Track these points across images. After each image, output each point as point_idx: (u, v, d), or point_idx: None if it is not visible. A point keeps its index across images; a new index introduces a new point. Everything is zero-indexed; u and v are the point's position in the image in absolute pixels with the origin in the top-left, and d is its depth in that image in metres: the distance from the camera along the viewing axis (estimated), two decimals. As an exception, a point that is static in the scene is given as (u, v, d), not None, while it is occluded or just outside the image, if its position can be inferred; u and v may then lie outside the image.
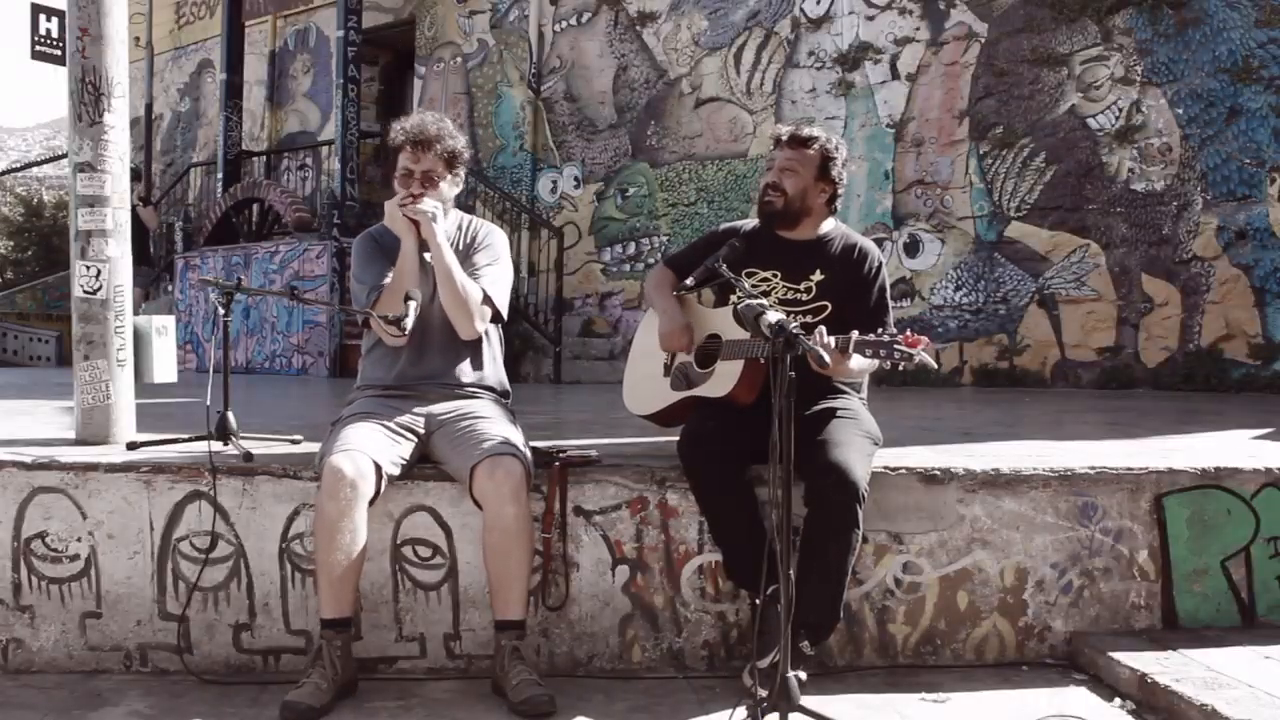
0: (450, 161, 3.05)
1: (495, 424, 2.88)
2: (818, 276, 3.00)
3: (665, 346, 3.12)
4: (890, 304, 3.05)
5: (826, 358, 2.33)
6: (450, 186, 3.07)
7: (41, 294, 14.82)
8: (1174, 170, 7.88)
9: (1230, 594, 3.08)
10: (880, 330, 2.70)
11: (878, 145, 9.17)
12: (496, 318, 3.04)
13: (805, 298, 2.99)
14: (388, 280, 2.98)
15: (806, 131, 3.06)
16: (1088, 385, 8.14)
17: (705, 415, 2.95)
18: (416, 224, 2.96)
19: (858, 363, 2.61)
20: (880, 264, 3.05)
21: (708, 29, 10.18)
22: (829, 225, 3.11)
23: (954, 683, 2.86)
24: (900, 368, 2.47)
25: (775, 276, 3.02)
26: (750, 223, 3.19)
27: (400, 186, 3.01)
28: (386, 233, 3.08)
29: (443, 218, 3.00)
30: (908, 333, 2.45)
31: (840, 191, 3.09)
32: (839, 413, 2.91)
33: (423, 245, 2.99)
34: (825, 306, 2.97)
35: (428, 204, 2.96)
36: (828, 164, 3.02)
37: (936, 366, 2.57)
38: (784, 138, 3.06)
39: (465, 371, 3.04)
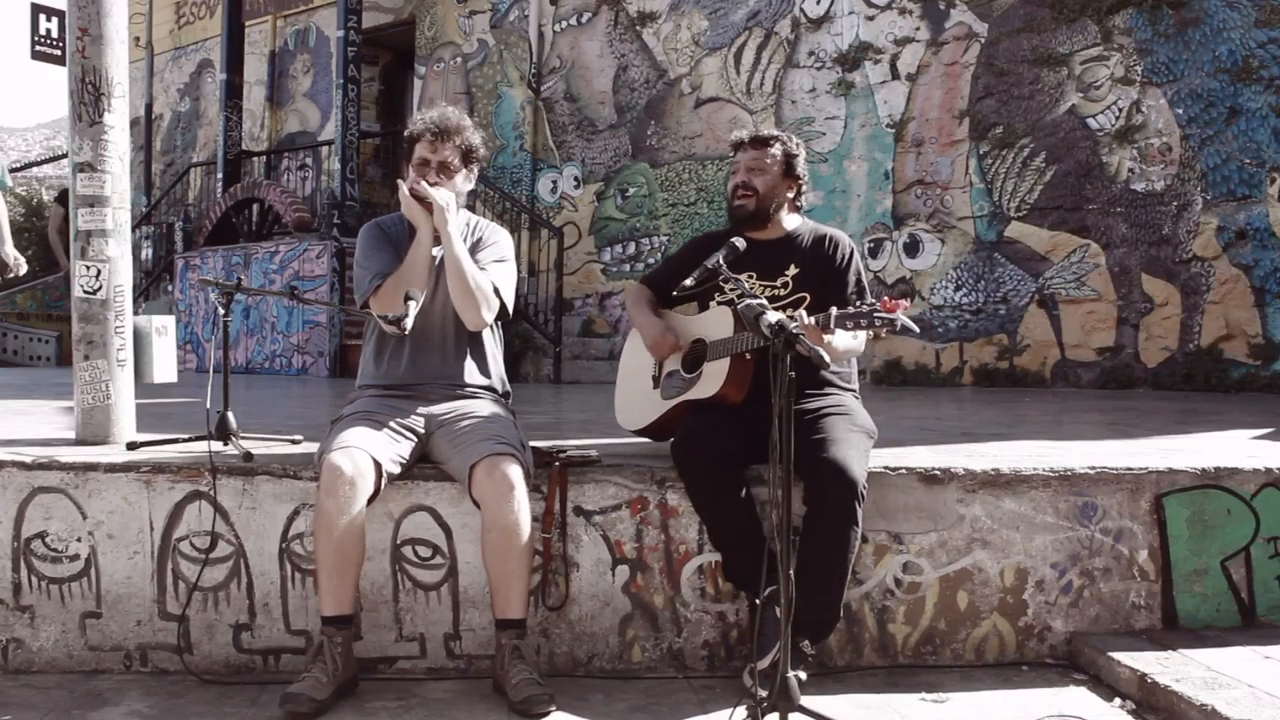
0: (467, 156, 3.06)
1: (495, 424, 2.88)
2: (792, 271, 3.05)
3: (658, 354, 3.15)
4: (867, 287, 3.10)
5: (827, 358, 2.33)
6: (464, 181, 3.07)
7: (41, 294, 14.81)
8: (1174, 170, 7.88)
9: (1230, 594, 3.08)
10: (858, 303, 2.73)
11: (878, 145, 9.18)
12: (502, 314, 3.03)
13: (783, 292, 3.04)
14: (397, 272, 2.94)
15: (767, 132, 3.16)
16: (1088, 385, 8.14)
17: (701, 417, 2.95)
18: (429, 209, 2.94)
19: (842, 340, 2.65)
20: (851, 249, 3.11)
21: (708, 29, 10.19)
22: (796, 221, 3.17)
23: (954, 683, 2.86)
24: (884, 334, 2.50)
25: (750, 278, 3.04)
26: (717, 230, 3.28)
27: (416, 175, 2.99)
28: (395, 223, 3.08)
29: (455, 209, 2.99)
30: (885, 299, 2.47)
31: (804, 188, 3.17)
32: (833, 409, 2.92)
33: (434, 238, 2.99)
34: (804, 298, 3.01)
35: (441, 193, 2.95)
36: (791, 161, 3.11)
37: (917, 330, 2.59)
38: (745, 140, 3.14)
39: (466, 371, 3.04)
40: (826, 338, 2.59)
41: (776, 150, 3.09)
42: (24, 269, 4.67)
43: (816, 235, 3.12)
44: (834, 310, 2.58)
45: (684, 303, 3.19)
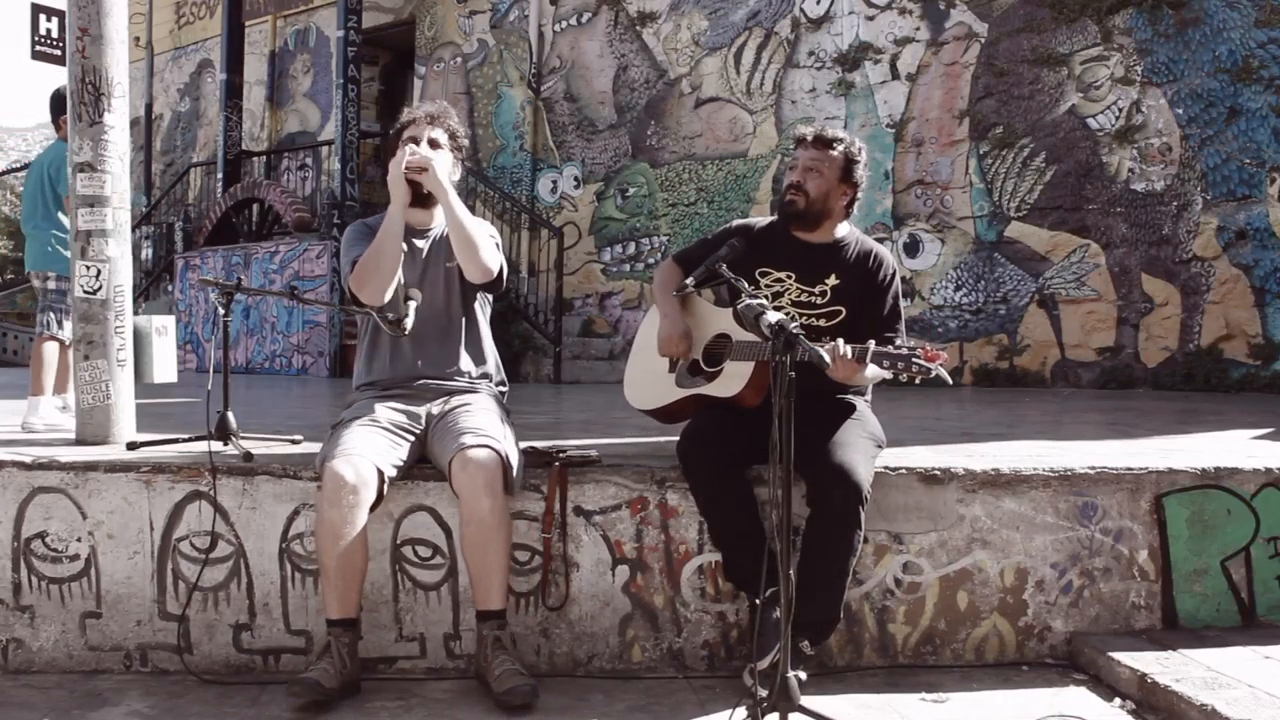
0: (453, 139, 3.07)
1: (479, 416, 2.87)
2: (833, 281, 2.99)
3: (663, 352, 3.11)
4: (902, 311, 3.06)
5: (827, 359, 2.32)
6: (454, 167, 3.08)
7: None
8: (1174, 170, 7.88)
9: (1230, 594, 3.08)
10: (898, 342, 2.70)
11: (878, 145, 9.17)
12: (496, 284, 3.02)
13: (820, 301, 2.98)
14: (370, 247, 2.93)
15: (831, 133, 3.05)
16: (1088, 385, 8.14)
17: (707, 416, 2.95)
18: (413, 188, 2.94)
19: (873, 371, 2.61)
20: (894, 272, 3.05)
21: (708, 29, 10.19)
22: (845, 229, 3.10)
23: (954, 683, 2.86)
24: (916, 381, 2.47)
25: (790, 278, 3.01)
26: (766, 220, 3.18)
27: (406, 149, 2.98)
28: (380, 221, 3.08)
29: (447, 173, 2.99)
30: (926, 346, 2.45)
31: (860, 196, 3.08)
32: (843, 414, 2.91)
33: (414, 233, 2.99)
34: (839, 311, 2.96)
35: (435, 154, 2.97)
36: (851, 167, 3.01)
37: (951, 382, 2.58)
38: (808, 138, 3.04)
39: (463, 362, 3.05)
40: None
41: (838, 153, 3.00)
42: None
43: (863, 250, 3.05)
44: (872, 345, 2.54)
45: (690, 291, 3.12)
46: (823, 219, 3.03)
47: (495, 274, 2.97)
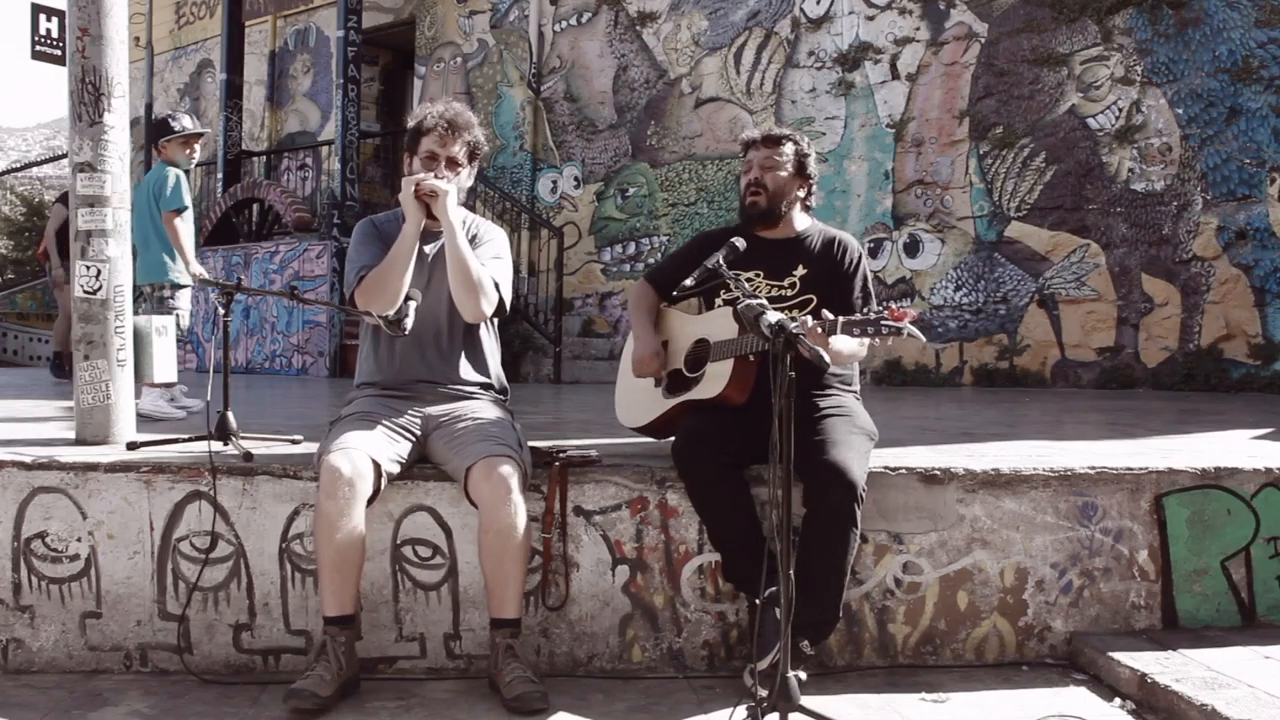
0: (472, 153, 3.06)
1: (492, 424, 2.88)
2: (800, 271, 3.05)
3: (638, 373, 3.15)
4: (873, 292, 3.10)
5: (827, 358, 2.33)
6: (468, 178, 3.07)
7: (41, 294, 14.80)
8: (1174, 170, 7.88)
9: (1230, 594, 3.08)
10: (865, 310, 2.73)
11: (878, 145, 9.18)
12: (499, 310, 3.02)
13: (790, 293, 3.03)
14: (381, 263, 2.92)
15: (779, 131, 3.15)
16: (1088, 385, 8.14)
17: (700, 417, 2.95)
18: (426, 206, 2.93)
19: (846, 344, 2.65)
20: (860, 254, 3.11)
21: (708, 29, 10.19)
22: (806, 222, 3.17)
23: (954, 683, 2.86)
24: (890, 343, 2.48)
25: (758, 276, 3.05)
26: (730, 226, 3.25)
27: (423, 168, 2.98)
28: (389, 221, 3.08)
29: (457, 202, 2.98)
30: (891, 307, 2.46)
31: (815, 188, 3.17)
32: (834, 410, 2.92)
33: (423, 237, 2.99)
34: (810, 300, 3.01)
35: (446, 184, 2.95)
36: (803, 160, 3.11)
37: (924, 340, 2.58)
38: (757, 139, 3.13)
39: (462, 368, 3.04)
40: (831, 341, 2.58)
41: (789, 149, 3.09)
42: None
43: (826, 238, 3.11)
44: (839, 317, 2.56)
45: (686, 299, 3.18)
46: (784, 214, 3.11)
47: (487, 317, 2.98)
